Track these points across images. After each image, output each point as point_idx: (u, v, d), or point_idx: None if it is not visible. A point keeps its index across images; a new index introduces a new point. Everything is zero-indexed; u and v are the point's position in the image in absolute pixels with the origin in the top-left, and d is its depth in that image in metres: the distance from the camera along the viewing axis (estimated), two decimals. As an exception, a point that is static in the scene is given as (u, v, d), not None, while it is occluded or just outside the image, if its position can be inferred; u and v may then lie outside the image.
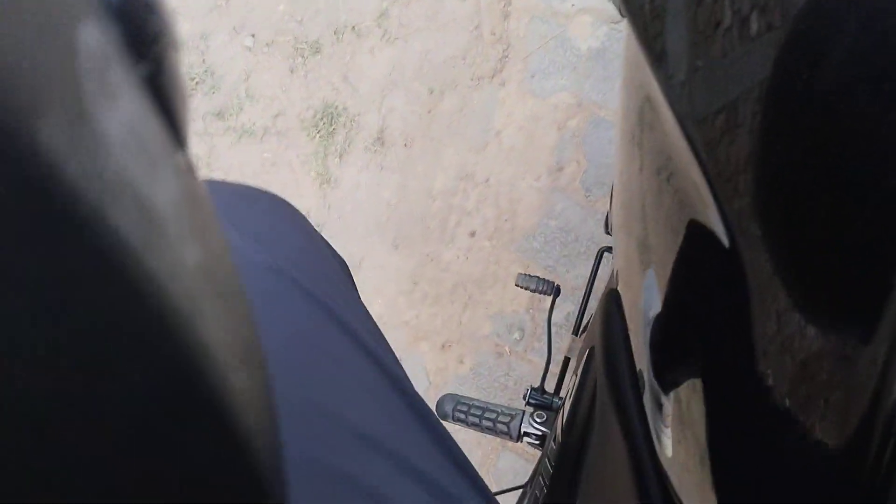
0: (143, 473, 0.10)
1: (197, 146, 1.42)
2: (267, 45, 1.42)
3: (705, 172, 0.26)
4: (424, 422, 0.43)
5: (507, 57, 1.32)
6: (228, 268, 0.13)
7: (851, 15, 0.21)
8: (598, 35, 1.28)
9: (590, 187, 1.28)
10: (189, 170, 0.13)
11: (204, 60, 1.44)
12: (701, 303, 0.32)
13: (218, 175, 1.42)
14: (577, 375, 0.63)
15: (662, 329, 0.35)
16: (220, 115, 1.43)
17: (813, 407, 0.24)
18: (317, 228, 0.57)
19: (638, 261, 0.39)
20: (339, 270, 0.53)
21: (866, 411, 0.22)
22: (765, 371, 0.25)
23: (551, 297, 0.93)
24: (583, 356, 0.61)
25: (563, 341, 1.02)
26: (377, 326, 0.52)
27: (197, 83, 1.43)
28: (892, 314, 0.21)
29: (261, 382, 0.14)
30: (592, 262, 0.94)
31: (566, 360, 0.89)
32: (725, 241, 0.26)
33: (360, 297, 0.53)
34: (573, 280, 1.27)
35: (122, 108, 0.10)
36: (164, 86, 0.12)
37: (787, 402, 0.24)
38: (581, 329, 0.91)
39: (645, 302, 0.38)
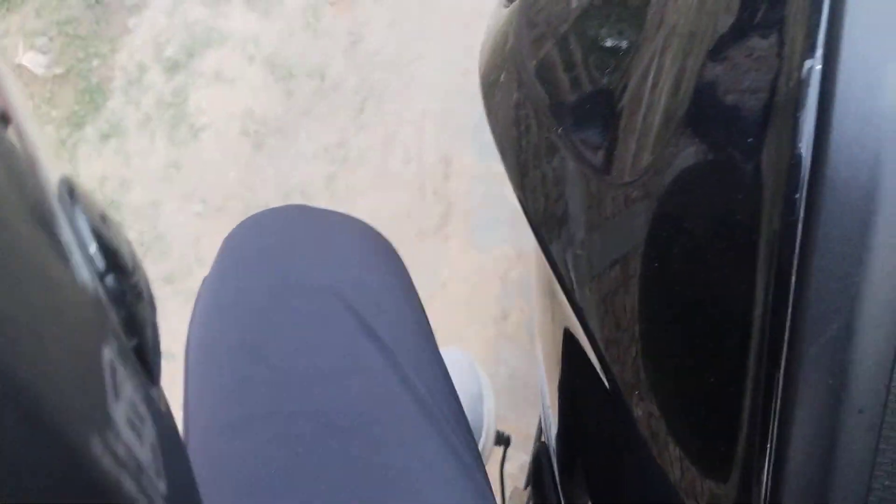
0: None
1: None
2: (217, 210, 1.47)
3: (589, 337, 0.30)
4: None
5: (449, 213, 1.39)
6: (192, 487, 0.17)
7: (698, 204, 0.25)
8: (532, 191, 1.36)
9: (535, 334, 1.31)
10: (160, 400, 0.17)
11: (154, 227, 1.48)
12: (593, 443, 0.34)
13: (166, 341, 1.42)
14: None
15: (568, 469, 0.37)
16: (168, 279, 1.46)
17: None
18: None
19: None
20: (417, 320, 0.48)
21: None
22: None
23: (503, 449, 0.94)
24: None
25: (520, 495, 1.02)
26: (451, 389, 0.46)
27: (147, 249, 1.47)
28: (743, 453, 0.24)
29: None
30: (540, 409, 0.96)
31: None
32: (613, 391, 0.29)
33: (436, 355, 0.47)
34: (525, 428, 1.28)
35: (125, 397, 0.14)
36: (145, 347, 0.16)
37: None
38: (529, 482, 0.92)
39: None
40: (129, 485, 0.13)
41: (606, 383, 0.30)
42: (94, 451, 0.12)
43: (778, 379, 0.22)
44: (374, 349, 0.42)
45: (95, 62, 1.56)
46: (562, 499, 0.46)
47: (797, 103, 0.22)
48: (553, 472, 0.49)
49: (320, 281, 0.44)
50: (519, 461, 1.24)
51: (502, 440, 0.95)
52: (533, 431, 1.23)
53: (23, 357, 0.11)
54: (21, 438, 0.11)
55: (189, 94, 1.52)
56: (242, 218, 1.53)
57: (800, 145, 0.22)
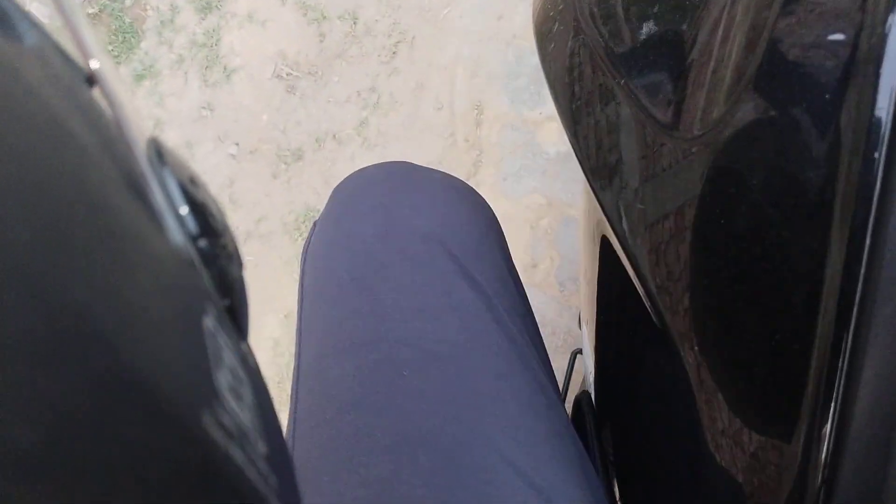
0: None
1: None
2: (251, 152, 1.47)
3: (643, 284, 0.30)
4: (578, 455, 0.41)
5: (480, 162, 1.39)
6: (286, 454, 0.18)
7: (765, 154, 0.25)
8: (565, 140, 1.35)
9: (563, 282, 1.32)
10: (250, 356, 0.17)
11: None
12: (646, 396, 0.35)
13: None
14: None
15: (611, 417, 0.38)
16: (203, 219, 1.47)
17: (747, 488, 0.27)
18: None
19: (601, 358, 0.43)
20: (509, 268, 0.52)
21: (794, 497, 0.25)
22: (708, 457, 0.28)
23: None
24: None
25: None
26: (537, 333, 0.50)
27: (181, 189, 1.48)
28: (808, 409, 0.24)
29: None
30: (569, 356, 0.97)
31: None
32: (667, 343, 0.30)
33: (524, 302, 0.51)
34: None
35: (226, 363, 0.14)
36: (238, 308, 0.16)
37: (734, 484, 0.27)
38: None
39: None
40: (237, 454, 0.13)
41: (657, 329, 0.30)
42: (206, 427, 0.12)
43: (847, 338, 0.22)
44: (471, 290, 0.45)
45: (128, 2, 1.56)
46: (598, 444, 0.47)
47: (879, 59, 0.22)
48: (593, 417, 0.49)
49: (425, 228, 0.48)
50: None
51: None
52: (561, 378, 1.25)
53: (141, 344, 0.11)
54: (140, 426, 0.11)
55: (222, 35, 1.51)
56: (275, 161, 1.53)
57: (880, 103, 0.22)
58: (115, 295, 0.11)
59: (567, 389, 0.93)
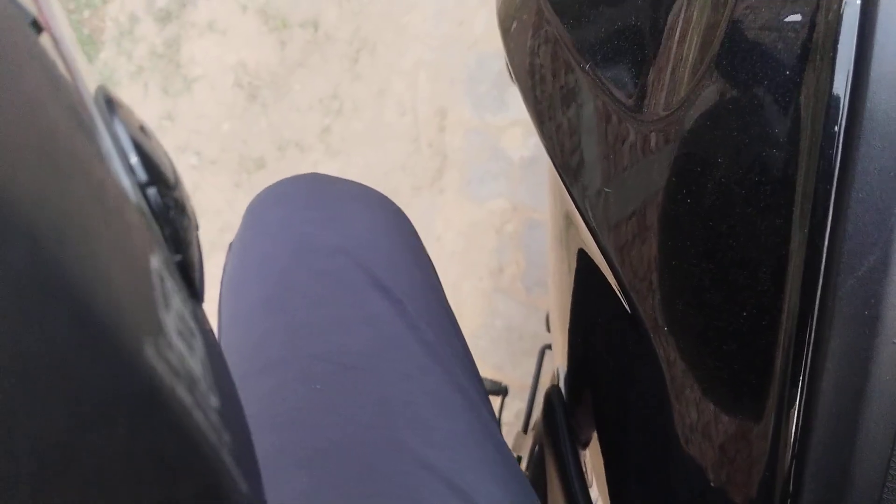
0: None
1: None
2: (212, 162, 1.46)
3: (616, 276, 0.30)
4: (501, 454, 0.41)
5: (444, 167, 1.39)
6: (239, 407, 0.17)
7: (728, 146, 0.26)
8: (528, 145, 1.36)
9: (530, 286, 1.33)
10: (204, 318, 0.16)
11: (149, 178, 1.47)
12: (619, 389, 0.35)
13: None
14: (528, 474, 0.65)
15: (581, 409, 0.38)
16: (165, 230, 1.45)
17: (713, 479, 0.27)
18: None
19: (570, 354, 0.43)
20: (425, 274, 0.52)
21: (762, 489, 0.25)
22: (681, 451, 0.28)
23: (500, 398, 0.96)
24: (532, 454, 0.63)
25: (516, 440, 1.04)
26: (459, 336, 0.50)
27: (142, 200, 1.46)
28: (775, 396, 0.25)
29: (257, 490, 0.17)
30: (538, 354, 0.97)
31: (518, 460, 0.91)
32: (640, 333, 0.30)
33: (443, 307, 0.51)
34: (521, 378, 1.30)
35: (174, 307, 0.13)
36: (190, 264, 0.16)
37: (704, 481, 0.28)
38: (530, 427, 0.93)
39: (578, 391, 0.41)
40: (183, 393, 0.12)
41: (631, 323, 0.30)
42: (148, 355, 0.12)
43: (812, 312, 0.23)
44: (383, 299, 0.45)
45: (87, 13, 1.53)
46: (568, 438, 0.47)
47: (836, 36, 0.22)
48: (563, 411, 0.49)
49: (334, 242, 0.48)
50: (515, 409, 1.26)
51: (500, 390, 0.96)
52: (529, 381, 1.25)
53: (72, 250, 0.10)
54: (72, 339, 0.10)
55: (182, 44, 1.50)
56: (237, 170, 1.52)
57: (838, 78, 0.22)
58: (42, 194, 0.10)
59: (537, 386, 0.94)
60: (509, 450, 0.43)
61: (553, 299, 0.51)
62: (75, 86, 0.14)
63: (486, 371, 1.29)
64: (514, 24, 0.38)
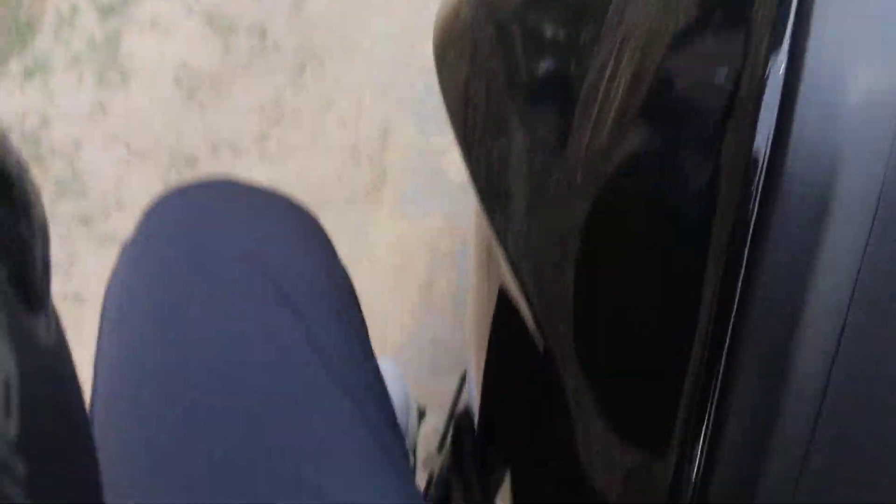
0: None
1: (57, 251, 1.39)
2: (140, 156, 1.43)
3: (531, 308, 0.31)
4: (395, 472, 0.40)
5: (383, 182, 1.39)
6: (54, 429, 0.15)
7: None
8: (465, 167, 1.37)
9: (460, 304, 1.33)
10: (43, 334, 0.14)
11: (73, 166, 1.43)
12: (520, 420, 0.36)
13: (76, 282, 1.38)
14: (432, 493, 0.66)
15: (490, 438, 0.39)
16: (85, 220, 1.41)
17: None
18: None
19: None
20: (337, 292, 0.49)
21: None
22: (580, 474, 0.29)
23: (417, 420, 0.96)
24: (441, 475, 0.64)
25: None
26: (368, 359, 0.47)
27: (65, 188, 1.41)
28: (681, 428, 0.26)
29: None
30: (459, 376, 0.98)
31: (430, 477, 0.91)
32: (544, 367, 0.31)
33: (354, 328, 0.48)
34: (443, 394, 1.30)
35: None
36: (26, 271, 0.14)
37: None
38: (445, 448, 0.94)
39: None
40: None
41: (542, 354, 0.31)
42: None
43: (720, 360, 0.24)
44: (286, 315, 0.42)
45: (27, 0, 1.49)
46: (475, 463, 0.48)
47: (758, 99, 0.23)
48: (472, 437, 0.50)
49: (240, 250, 0.45)
50: (433, 423, 1.26)
51: (417, 412, 0.97)
52: (449, 396, 1.26)
53: None
54: None
55: (122, 38, 1.46)
56: (167, 166, 1.49)
57: (759, 140, 0.23)
58: None
59: (456, 408, 0.94)
60: (415, 484, 0.42)
61: (470, 319, 0.52)
62: None
63: (408, 383, 1.29)
64: (449, 55, 0.39)
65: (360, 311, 0.51)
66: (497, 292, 0.41)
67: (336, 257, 0.52)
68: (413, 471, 0.63)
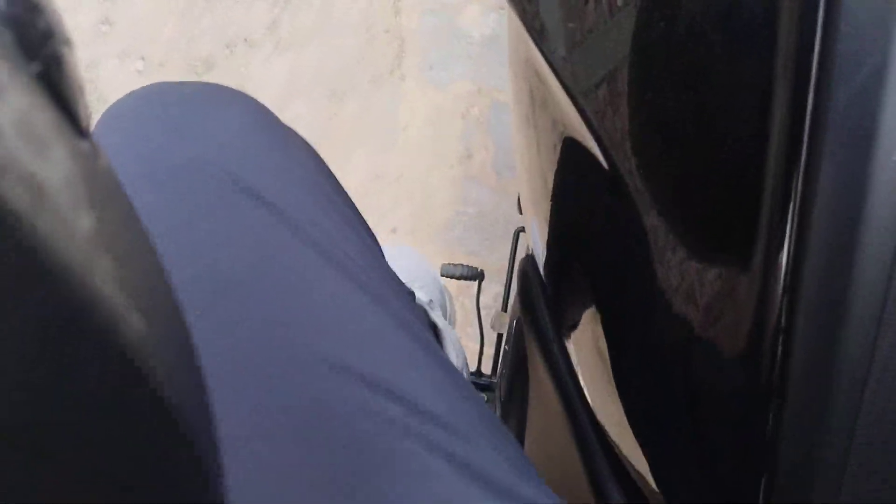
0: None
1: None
2: (159, 66, 1.39)
3: (597, 138, 0.29)
4: (441, 365, 0.39)
5: (403, 52, 1.34)
6: (132, 231, 0.14)
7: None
8: (488, 22, 1.31)
9: (500, 171, 1.31)
10: (90, 154, 0.13)
11: (95, 87, 1.40)
12: (598, 258, 0.34)
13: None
14: (508, 347, 0.65)
15: (560, 276, 0.37)
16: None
17: (703, 333, 0.26)
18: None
19: (545, 232, 0.42)
20: (305, 173, 0.46)
21: (754, 335, 0.24)
22: (657, 304, 0.27)
23: (477, 283, 0.96)
24: (511, 327, 0.63)
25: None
26: (376, 252, 0.45)
27: (91, 114, 1.40)
28: (763, 245, 0.23)
29: (169, 333, 0.14)
30: (511, 242, 0.97)
31: (499, 337, 0.91)
32: (618, 201, 0.28)
33: (335, 206, 0.46)
34: (497, 262, 1.30)
35: (10, 102, 0.11)
36: (58, 82, 0.13)
37: (683, 333, 0.27)
38: (509, 305, 0.94)
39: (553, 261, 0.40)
40: (15, 195, 0.10)
41: (610, 185, 0.29)
42: None
43: (802, 136, 0.21)
44: (256, 206, 0.41)
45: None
46: (546, 307, 0.47)
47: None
48: (541, 281, 0.49)
49: (187, 154, 0.42)
50: (493, 292, 1.27)
51: (476, 275, 0.96)
52: (504, 265, 1.26)
53: None
54: None
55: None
56: (186, 72, 1.45)
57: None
58: None
59: (513, 267, 0.93)
60: (430, 336, 0.41)
61: (524, 180, 0.49)
62: None
63: (462, 258, 1.29)
64: None
65: (334, 179, 0.49)
66: (550, 138, 0.39)
67: (287, 131, 0.50)
68: (440, 342, 0.61)
